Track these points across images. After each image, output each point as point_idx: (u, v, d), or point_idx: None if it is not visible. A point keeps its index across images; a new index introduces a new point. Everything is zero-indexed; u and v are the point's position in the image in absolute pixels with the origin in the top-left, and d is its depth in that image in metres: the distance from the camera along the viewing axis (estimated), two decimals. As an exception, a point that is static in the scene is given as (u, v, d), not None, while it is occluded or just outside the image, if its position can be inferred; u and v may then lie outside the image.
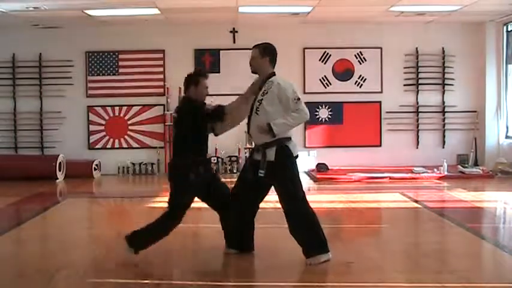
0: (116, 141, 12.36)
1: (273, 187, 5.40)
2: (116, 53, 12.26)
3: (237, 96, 5.60)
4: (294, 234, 5.31)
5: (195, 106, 5.42)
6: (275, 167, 5.22)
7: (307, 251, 5.26)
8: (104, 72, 12.26)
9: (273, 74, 5.43)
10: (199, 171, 5.41)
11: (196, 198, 5.58)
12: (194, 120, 5.36)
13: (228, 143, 12.11)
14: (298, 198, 5.26)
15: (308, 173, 11.88)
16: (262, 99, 5.29)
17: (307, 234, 5.26)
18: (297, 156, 5.37)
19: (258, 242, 5.83)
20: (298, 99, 5.24)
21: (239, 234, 5.54)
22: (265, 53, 5.43)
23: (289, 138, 5.33)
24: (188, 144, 5.39)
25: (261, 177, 5.22)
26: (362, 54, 12.23)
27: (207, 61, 12.29)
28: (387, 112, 12.38)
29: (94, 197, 10.23)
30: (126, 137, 12.36)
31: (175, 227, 5.46)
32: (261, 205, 8.86)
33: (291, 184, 5.26)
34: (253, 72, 5.50)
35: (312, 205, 5.35)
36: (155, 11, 10.54)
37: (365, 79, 12.23)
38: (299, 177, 5.35)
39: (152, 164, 12.27)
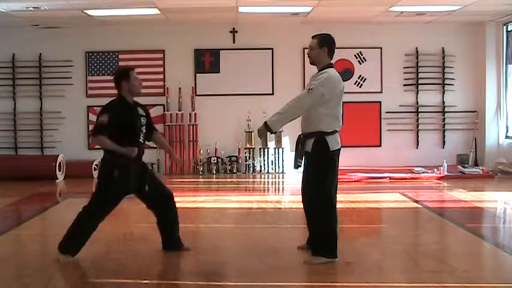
0: (116, 141, 12.34)
1: None
2: (116, 53, 12.26)
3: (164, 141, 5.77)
4: (311, 229, 5.33)
5: (111, 109, 5.47)
6: (309, 158, 5.26)
7: (313, 248, 5.28)
8: (104, 72, 12.26)
9: (330, 65, 5.39)
10: (126, 170, 5.33)
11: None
12: (113, 121, 5.33)
13: (227, 143, 12.13)
14: (320, 193, 5.21)
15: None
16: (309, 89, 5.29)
17: (317, 233, 5.27)
18: (337, 150, 5.36)
19: (258, 242, 5.85)
20: (310, 89, 5.20)
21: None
22: (324, 44, 5.37)
23: (332, 132, 5.32)
24: (114, 141, 5.30)
25: (299, 166, 5.30)
26: (362, 54, 12.24)
27: (207, 61, 12.28)
28: (387, 112, 12.38)
29: (94, 197, 10.21)
30: (126, 137, 12.34)
31: (98, 223, 5.47)
32: (261, 205, 8.86)
33: (318, 178, 5.24)
34: (311, 63, 5.47)
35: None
36: (155, 11, 10.54)
37: (365, 79, 12.25)
38: (332, 175, 5.29)
39: (152, 164, 12.23)
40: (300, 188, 5.45)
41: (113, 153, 5.31)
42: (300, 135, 5.46)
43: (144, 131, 5.53)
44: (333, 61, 5.47)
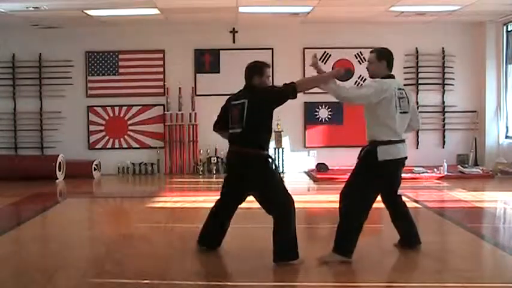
0: (116, 141, 12.36)
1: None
2: (116, 53, 12.26)
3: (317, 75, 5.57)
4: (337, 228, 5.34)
5: (266, 88, 5.43)
6: (359, 163, 5.39)
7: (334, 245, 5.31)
8: (104, 72, 12.26)
9: (388, 76, 5.48)
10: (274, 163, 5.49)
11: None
12: (269, 109, 5.37)
13: (227, 143, 12.10)
14: (352, 201, 5.26)
15: (308, 173, 11.88)
16: None
17: (340, 233, 5.30)
18: (391, 161, 5.32)
19: (258, 242, 5.84)
20: (360, 85, 5.37)
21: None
22: (382, 57, 5.51)
23: (386, 142, 5.29)
24: (263, 135, 5.40)
25: None
26: (362, 54, 12.21)
27: (207, 61, 12.28)
28: (387, 112, 12.36)
29: (94, 197, 10.23)
30: (126, 137, 12.36)
31: (295, 210, 5.36)
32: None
33: (354, 186, 5.32)
34: (370, 77, 5.56)
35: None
36: (155, 11, 10.54)
37: (365, 79, 12.15)
38: (369, 187, 5.30)
39: (152, 164, 12.27)
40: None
41: (261, 149, 5.37)
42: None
43: None
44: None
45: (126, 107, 12.32)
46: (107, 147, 12.34)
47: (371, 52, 5.58)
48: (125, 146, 12.36)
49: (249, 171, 5.36)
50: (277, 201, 5.34)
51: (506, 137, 12.00)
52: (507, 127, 12.02)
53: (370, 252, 5.69)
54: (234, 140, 5.51)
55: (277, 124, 11.59)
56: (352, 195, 5.31)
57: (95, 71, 12.28)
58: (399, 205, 5.80)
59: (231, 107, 5.58)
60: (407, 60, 12.42)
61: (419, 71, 12.42)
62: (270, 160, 5.45)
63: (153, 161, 12.29)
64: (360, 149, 5.52)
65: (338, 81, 5.50)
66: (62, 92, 12.23)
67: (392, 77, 5.53)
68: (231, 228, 5.74)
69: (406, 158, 5.48)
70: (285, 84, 5.41)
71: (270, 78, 5.62)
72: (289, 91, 5.35)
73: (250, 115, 5.34)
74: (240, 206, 5.78)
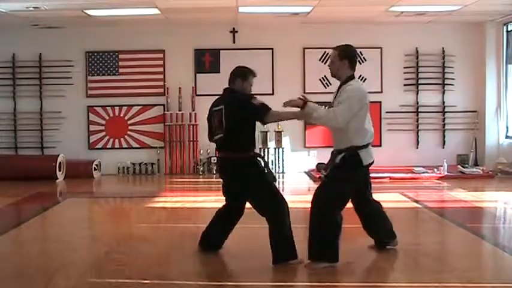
0: (116, 141, 12.35)
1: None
2: (116, 53, 12.25)
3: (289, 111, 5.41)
4: (309, 234, 5.21)
5: (244, 99, 5.37)
6: (335, 169, 5.27)
7: (314, 253, 5.19)
8: (104, 72, 12.26)
9: (352, 77, 5.28)
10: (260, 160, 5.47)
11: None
12: (244, 113, 5.33)
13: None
14: (329, 205, 5.16)
15: (308, 173, 11.89)
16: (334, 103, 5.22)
17: (317, 239, 5.16)
18: (370, 164, 5.41)
19: (258, 242, 5.84)
20: (340, 103, 5.11)
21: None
22: (344, 56, 5.24)
23: (364, 146, 5.27)
24: (245, 138, 5.38)
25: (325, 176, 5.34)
26: (362, 54, 12.20)
27: (207, 61, 12.28)
28: (387, 112, 12.37)
29: (94, 197, 10.23)
30: (126, 137, 12.35)
31: (288, 210, 5.36)
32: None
33: (334, 189, 5.22)
34: (332, 76, 5.39)
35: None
36: (155, 11, 10.53)
37: (365, 79, 12.19)
38: (347, 190, 5.31)
39: (152, 164, 12.26)
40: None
41: (249, 151, 5.40)
42: (332, 151, 5.41)
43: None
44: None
45: (126, 107, 12.31)
46: (107, 147, 12.34)
47: (333, 49, 5.31)
48: (125, 146, 12.36)
49: (237, 174, 5.41)
50: (269, 202, 5.35)
51: (506, 137, 12.00)
52: (507, 127, 12.02)
53: (369, 253, 5.70)
54: (219, 146, 5.56)
55: (278, 124, 11.60)
56: (332, 201, 5.18)
57: (95, 71, 12.28)
58: (373, 203, 5.73)
59: (212, 114, 5.57)
60: (407, 60, 12.42)
61: (419, 71, 12.41)
62: (261, 160, 5.44)
63: (153, 161, 12.28)
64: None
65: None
66: (62, 92, 12.22)
67: (354, 77, 5.33)
68: (231, 228, 5.77)
69: None
70: (263, 105, 5.33)
71: (252, 87, 5.54)
72: (261, 115, 5.32)
73: (228, 121, 5.36)
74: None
